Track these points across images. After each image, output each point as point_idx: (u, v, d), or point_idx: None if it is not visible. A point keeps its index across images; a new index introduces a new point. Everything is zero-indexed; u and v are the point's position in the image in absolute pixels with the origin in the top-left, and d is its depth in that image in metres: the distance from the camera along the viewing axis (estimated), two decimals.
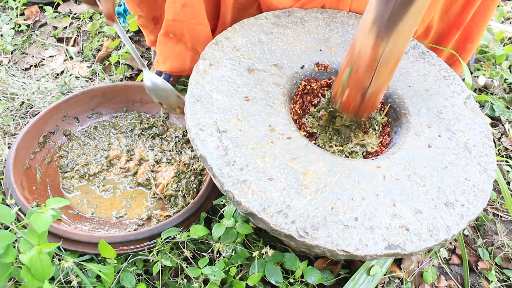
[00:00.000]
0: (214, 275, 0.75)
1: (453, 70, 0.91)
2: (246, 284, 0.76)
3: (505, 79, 1.32)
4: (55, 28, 1.38)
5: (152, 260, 0.77)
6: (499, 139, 1.19)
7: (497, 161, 0.83)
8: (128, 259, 0.78)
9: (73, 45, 1.33)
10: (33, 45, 1.32)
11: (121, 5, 1.30)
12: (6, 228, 0.81)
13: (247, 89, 0.76)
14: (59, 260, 0.76)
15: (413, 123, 0.80)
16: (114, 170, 0.96)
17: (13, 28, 1.35)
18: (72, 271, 0.73)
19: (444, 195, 0.70)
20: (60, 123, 0.99)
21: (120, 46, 1.30)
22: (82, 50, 1.31)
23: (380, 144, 0.82)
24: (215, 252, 0.78)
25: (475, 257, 0.97)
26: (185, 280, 0.79)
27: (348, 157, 0.79)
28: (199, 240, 0.82)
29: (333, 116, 0.82)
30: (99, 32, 1.36)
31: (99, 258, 0.79)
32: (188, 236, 0.77)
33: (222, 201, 0.83)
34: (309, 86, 0.84)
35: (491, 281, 0.91)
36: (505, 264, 0.96)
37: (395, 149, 0.77)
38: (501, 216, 1.04)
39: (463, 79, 1.05)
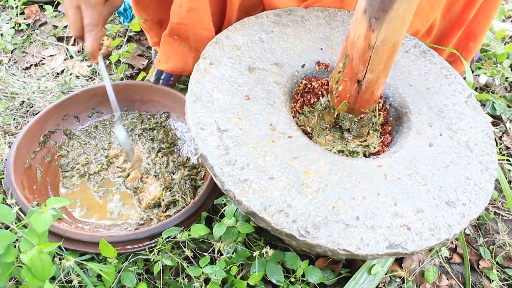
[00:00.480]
0: (215, 275, 0.74)
1: (454, 69, 0.90)
2: (247, 283, 0.76)
3: (506, 78, 1.32)
4: (55, 27, 1.38)
5: (153, 260, 0.77)
6: (500, 137, 1.19)
7: (498, 160, 0.83)
8: (129, 258, 0.78)
9: (73, 44, 1.33)
10: (33, 44, 1.32)
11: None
12: (7, 227, 0.81)
13: (248, 88, 0.76)
14: (60, 259, 0.76)
15: (414, 122, 0.80)
16: (112, 169, 0.96)
17: (13, 27, 1.35)
18: (73, 271, 0.73)
19: (446, 194, 0.70)
20: (61, 122, 0.99)
21: (121, 45, 1.30)
22: (82, 49, 1.31)
23: (381, 143, 0.82)
24: (216, 251, 0.78)
25: (477, 256, 0.96)
26: (186, 280, 0.78)
27: (348, 156, 0.79)
28: (200, 240, 0.82)
29: (323, 115, 0.83)
30: None
31: (100, 258, 0.79)
32: (189, 235, 0.77)
33: (223, 201, 0.83)
34: (310, 85, 0.84)
35: (493, 280, 0.91)
36: (506, 263, 0.96)
37: (396, 148, 0.77)
38: (502, 215, 1.03)
39: (464, 78, 1.05)
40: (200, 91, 0.72)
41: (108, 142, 1.01)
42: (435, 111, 0.82)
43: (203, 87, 0.73)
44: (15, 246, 0.62)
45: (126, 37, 1.29)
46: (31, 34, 1.34)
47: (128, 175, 0.95)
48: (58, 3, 1.44)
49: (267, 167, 0.66)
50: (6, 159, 0.94)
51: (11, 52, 1.28)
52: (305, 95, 0.85)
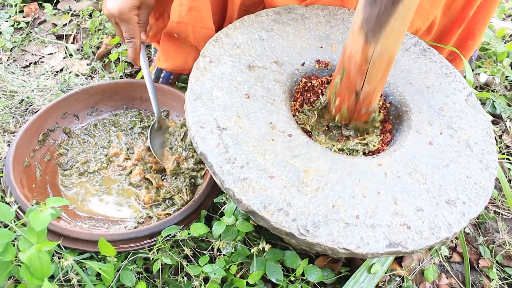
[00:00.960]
0: (215, 273, 0.74)
1: (454, 67, 0.90)
2: (247, 282, 0.76)
3: (506, 77, 1.32)
4: (55, 25, 1.38)
5: (152, 258, 0.77)
6: (500, 136, 1.19)
7: (498, 158, 0.83)
8: (128, 257, 0.78)
9: (72, 43, 1.33)
10: (33, 43, 1.31)
11: None
12: (6, 226, 0.80)
13: (248, 86, 0.75)
14: (59, 258, 0.75)
15: (414, 121, 0.79)
16: (111, 167, 0.96)
17: (12, 26, 1.34)
18: (72, 269, 0.73)
19: (446, 193, 0.70)
20: (60, 121, 0.98)
21: (120, 44, 1.29)
22: (82, 47, 1.31)
23: (381, 142, 0.82)
24: (215, 250, 0.78)
25: (476, 255, 0.96)
26: (185, 278, 0.78)
27: (348, 155, 0.79)
28: (200, 238, 0.82)
29: (323, 113, 0.82)
30: (98, 30, 1.35)
31: (99, 256, 0.79)
32: (189, 234, 0.77)
33: (222, 199, 0.83)
34: (310, 83, 0.84)
35: (492, 279, 0.91)
36: (506, 262, 0.96)
37: (396, 147, 0.76)
38: (502, 214, 1.03)
39: (464, 76, 1.04)
40: (200, 90, 0.72)
41: (107, 140, 1.00)
42: (435, 109, 0.82)
43: (203, 85, 0.73)
44: (14, 245, 0.62)
45: None
46: (30, 32, 1.34)
47: (131, 172, 0.94)
48: (58, 1, 1.44)
49: (267, 165, 0.66)
50: (5, 158, 0.94)
51: (10, 50, 1.28)
52: (305, 93, 0.85)
